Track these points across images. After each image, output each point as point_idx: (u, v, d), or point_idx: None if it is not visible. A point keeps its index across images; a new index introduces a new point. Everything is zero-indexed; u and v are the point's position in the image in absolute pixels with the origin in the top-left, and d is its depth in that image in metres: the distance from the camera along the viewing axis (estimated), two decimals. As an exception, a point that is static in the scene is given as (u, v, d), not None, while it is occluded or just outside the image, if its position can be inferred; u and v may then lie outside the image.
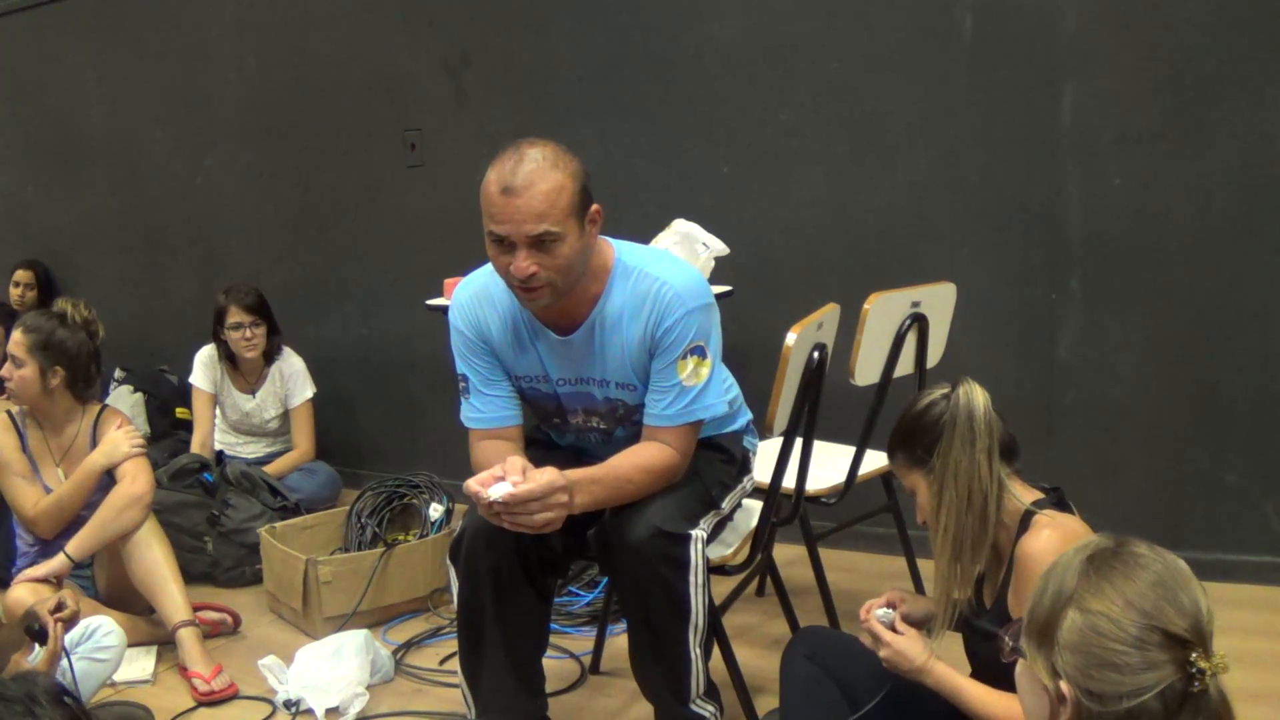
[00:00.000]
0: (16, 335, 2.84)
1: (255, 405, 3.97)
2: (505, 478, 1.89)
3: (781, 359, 2.22)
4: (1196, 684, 1.12)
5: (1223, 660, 1.13)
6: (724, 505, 2.19)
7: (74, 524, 2.85)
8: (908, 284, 2.68)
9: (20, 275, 5.03)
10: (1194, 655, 1.12)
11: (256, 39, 4.40)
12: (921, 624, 1.89)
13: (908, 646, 1.77)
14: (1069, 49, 3.09)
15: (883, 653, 1.78)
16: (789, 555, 3.02)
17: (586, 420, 2.20)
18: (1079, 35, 3.07)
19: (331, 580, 2.99)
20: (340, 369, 4.32)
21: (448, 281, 3.22)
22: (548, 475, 1.89)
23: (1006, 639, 1.29)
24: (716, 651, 2.19)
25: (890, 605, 1.87)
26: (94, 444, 2.91)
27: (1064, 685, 1.16)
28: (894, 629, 1.81)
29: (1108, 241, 3.13)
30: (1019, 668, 1.27)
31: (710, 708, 2.11)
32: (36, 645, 2.21)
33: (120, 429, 2.90)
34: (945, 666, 1.76)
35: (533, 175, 1.88)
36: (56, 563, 2.77)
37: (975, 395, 1.75)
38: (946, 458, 1.74)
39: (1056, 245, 3.19)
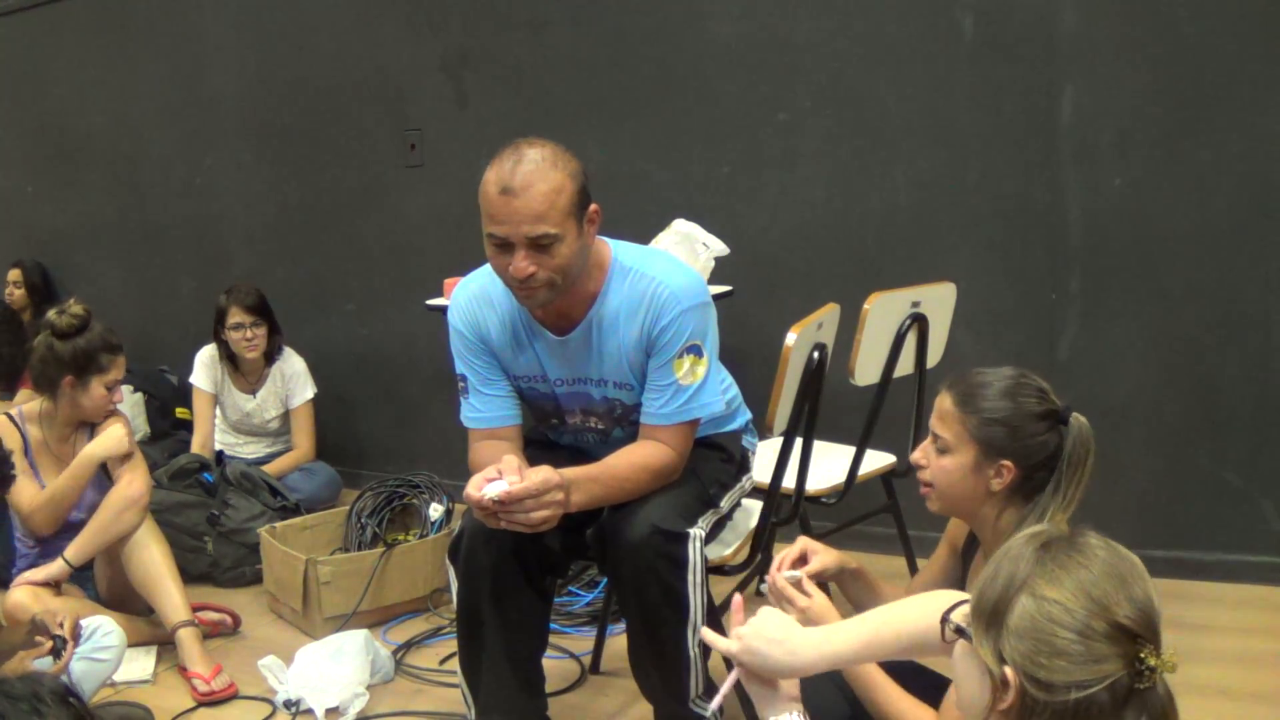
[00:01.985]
0: None
1: (256, 405, 3.97)
2: (502, 476, 1.89)
3: (781, 359, 2.22)
4: (1144, 681, 1.11)
5: (1172, 659, 1.12)
6: (722, 504, 2.19)
7: (73, 528, 2.85)
8: (908, 284, 2.68)
9: (10, 274, 5.05)
10: (1144, 652, 1.11)
11: (256, 39, 4.40)
12: (835, 579, 1.82)
13: (820, 615, 1.65)
14: (1069, 49, 3.09)
15: (794, 618, 1.66)
16: (789, 555, 3.02)
17: (584, 420, 2.20)
18: (1079, 35, 3.07)
19: (331, 580, 2.98)
20: (340, 369, 4.32)
21: (448, 281, 3.22)
22: (543, 474, 1.89)
23: (950, 619, 1.26)
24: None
25: (803, 560, 1.77)
26: (91, 439, 2.92)
27: (1008, 671, 1.14)
28: (801, 589, 1.70)
29: (1108, 241, 3.13)
30: (958, 650, 1.23)
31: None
32: (50, 656, 2.22)
33: (118, 422, 2.91)
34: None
35: (531, 176, 1.88)
36: (55, 568, 2.77)
37: (1092, 440, 1.66)
38: (1062, 496, 1.64)
39: (1056, 245, 3.19)
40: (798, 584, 1.70)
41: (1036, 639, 1.13)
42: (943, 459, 1.73)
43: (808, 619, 1.64)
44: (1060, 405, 1.70)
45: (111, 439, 2.86)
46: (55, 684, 1.33)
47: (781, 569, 1.75)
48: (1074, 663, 1.11)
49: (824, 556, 1.80)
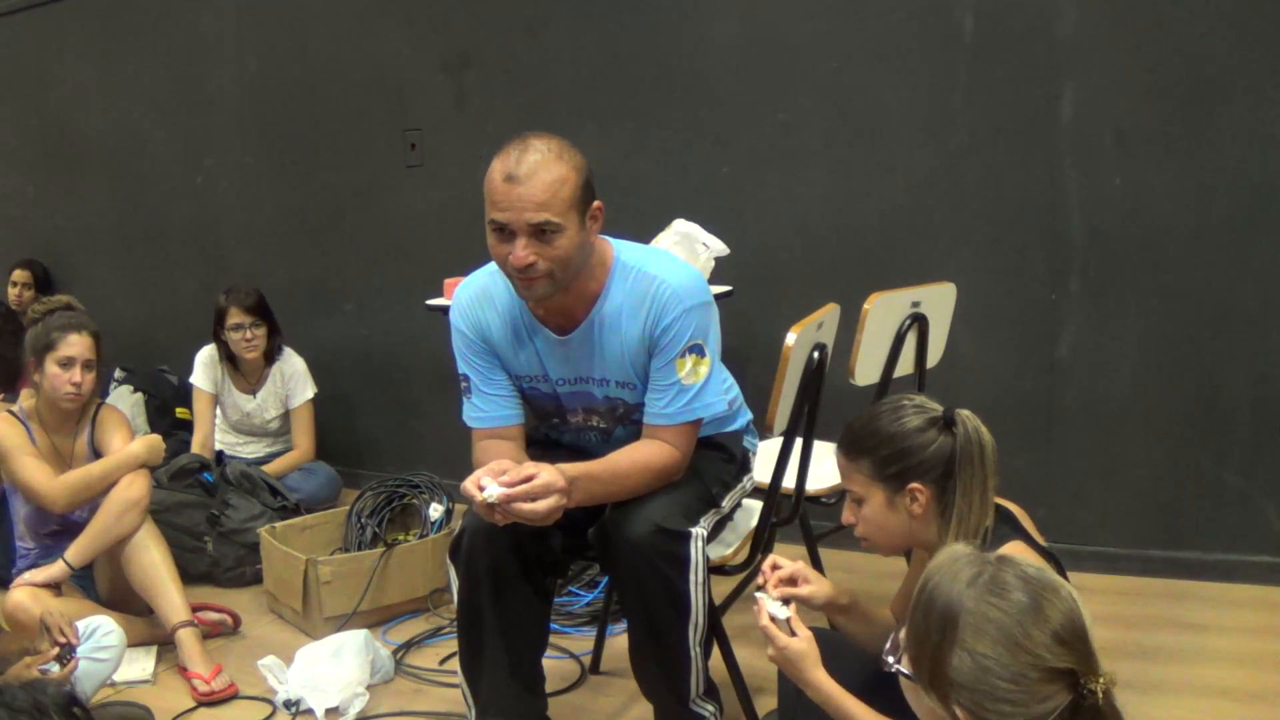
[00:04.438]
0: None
1: (256, 406, 3.97)
2: (505, 473, 1.89)
3: (781, 359, 2.22)
4: (1088, 701, 1.17)
5: (1110, 676, 1.19)
6: (724, 504, 2.19)
7: (74, 528, 2.85)
8: (908, 284, 2.68)
9: (18, 275, 5.03)
10: (1083, 679, 1.17)
11: (256, 39, 4.40)
12: (823, 607, 1.82)
13: (797, 656, 1.65)
14: (1069, 49, 3.09)
15: (770, 653, 1.68)
16: (789, 555, 3.00)
17: (586, 419, 2.20)
18: (1079, 35, 3.08)
19: (331, 580, 2.99)
20: (340, 369, 4.32)
21: (448, 281, 3.22)
22: (544, 476, 1.89)
23: (889, 659, 1.31)
24: (716, 651, 2.19)
25: (785, 600, 1.74)
26: (91, 441, 2.92)
27: (958, 710, 1.20)
28: (791, 624, 1.69)
29: (1108, 241, 3.13)
30: (903, 681, 1.29)
31: (710, 707, 2.11)
32: (56, 663, 2.22)
33: (117, 416, 2.95)
34: (833, 683, 1.65)
35: (536, 165, 1.90)
36: (56, 569, 2.76)
37: (982, 431, 1.64)
38: (967, 498, 1.62)
39: (1056, 245, 3.19)
40: (787, 621, 1.69)
41: (977, 690, 1.19)
42: (863, 510, 1.73)
43: (782, 658, 1.67)
44: (942, 409, 1.68)
45: (156, 449, 2.90)
46: (59, 694, 1.31)
47: (764, 605, 1.73)
48: (1019, 704, 1.18)
49: (814, 587, 1.79)
